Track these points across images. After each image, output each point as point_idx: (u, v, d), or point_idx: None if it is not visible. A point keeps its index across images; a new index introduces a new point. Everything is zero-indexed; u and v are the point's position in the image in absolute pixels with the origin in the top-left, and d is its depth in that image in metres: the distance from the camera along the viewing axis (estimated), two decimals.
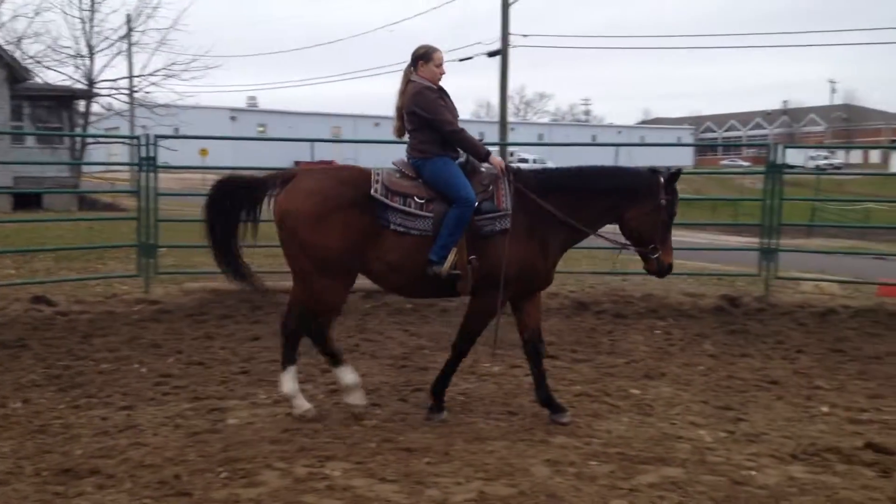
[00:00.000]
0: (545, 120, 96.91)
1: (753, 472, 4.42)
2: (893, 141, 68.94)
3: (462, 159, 5.29)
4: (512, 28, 23.54)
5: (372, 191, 5.03)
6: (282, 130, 56.95)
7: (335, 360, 5.36)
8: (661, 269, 5.32)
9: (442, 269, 5.02)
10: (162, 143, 9.67)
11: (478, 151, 5.27)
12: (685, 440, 4.96)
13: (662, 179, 5.25)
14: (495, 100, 24.71)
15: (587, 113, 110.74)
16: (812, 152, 62.53)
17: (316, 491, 4.09)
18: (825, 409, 5.69)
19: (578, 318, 8.85)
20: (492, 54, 24.23)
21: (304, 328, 5.28)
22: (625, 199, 5.28)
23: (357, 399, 5.32)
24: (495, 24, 23.95)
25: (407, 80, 5.32)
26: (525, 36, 26.97)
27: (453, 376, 5.45)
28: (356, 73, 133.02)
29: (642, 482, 4.27)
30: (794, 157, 48.27)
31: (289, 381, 5.27)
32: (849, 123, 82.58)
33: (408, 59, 5.34)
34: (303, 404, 5.28)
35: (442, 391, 5.38)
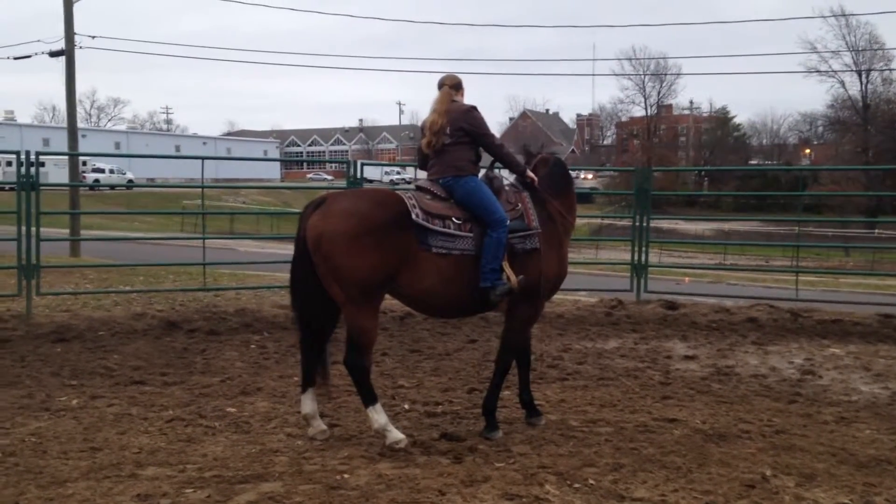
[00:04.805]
0: (122, 127, 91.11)
1: (347, 475, 4.60)
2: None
3: (485, 179, 5.51)
4: (78, 28, 21.37)
5: (413, 216, 5.05)
6: None
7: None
8: None
9: (513, 284, 5.18)
10: None
11: (517, 167, 5.65)
12: (283, 453, 5.00)
13: None
14: (62, 103, 22.33)
15: (169, 122, 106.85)
16: (387, 168, 68.34)
17: None
18: (407, 406, 6.19)
19: (169, 339, 8.46)
20: (54, 54, 21.77)
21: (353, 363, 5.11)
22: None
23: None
24: (58, 21, 21.54)
25: (450, 101, 5.54)
26: (93, 37, 24.64)
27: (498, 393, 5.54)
28: None
29: (240, 502, 4.20)
30: (371, 172, 52.20)
31: (378, 416, 5.13)
32: (415, 142, 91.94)
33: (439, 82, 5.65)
34: (396, 435, 5.10)
35: (493, 410, 5.48)
